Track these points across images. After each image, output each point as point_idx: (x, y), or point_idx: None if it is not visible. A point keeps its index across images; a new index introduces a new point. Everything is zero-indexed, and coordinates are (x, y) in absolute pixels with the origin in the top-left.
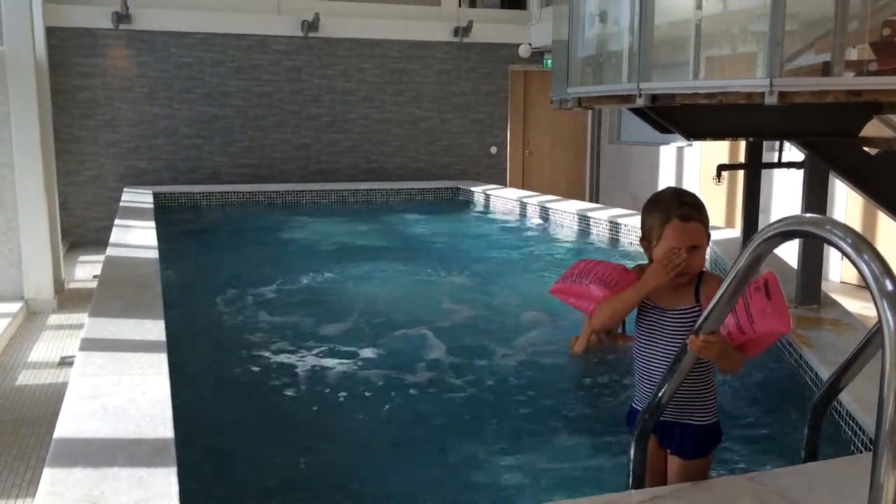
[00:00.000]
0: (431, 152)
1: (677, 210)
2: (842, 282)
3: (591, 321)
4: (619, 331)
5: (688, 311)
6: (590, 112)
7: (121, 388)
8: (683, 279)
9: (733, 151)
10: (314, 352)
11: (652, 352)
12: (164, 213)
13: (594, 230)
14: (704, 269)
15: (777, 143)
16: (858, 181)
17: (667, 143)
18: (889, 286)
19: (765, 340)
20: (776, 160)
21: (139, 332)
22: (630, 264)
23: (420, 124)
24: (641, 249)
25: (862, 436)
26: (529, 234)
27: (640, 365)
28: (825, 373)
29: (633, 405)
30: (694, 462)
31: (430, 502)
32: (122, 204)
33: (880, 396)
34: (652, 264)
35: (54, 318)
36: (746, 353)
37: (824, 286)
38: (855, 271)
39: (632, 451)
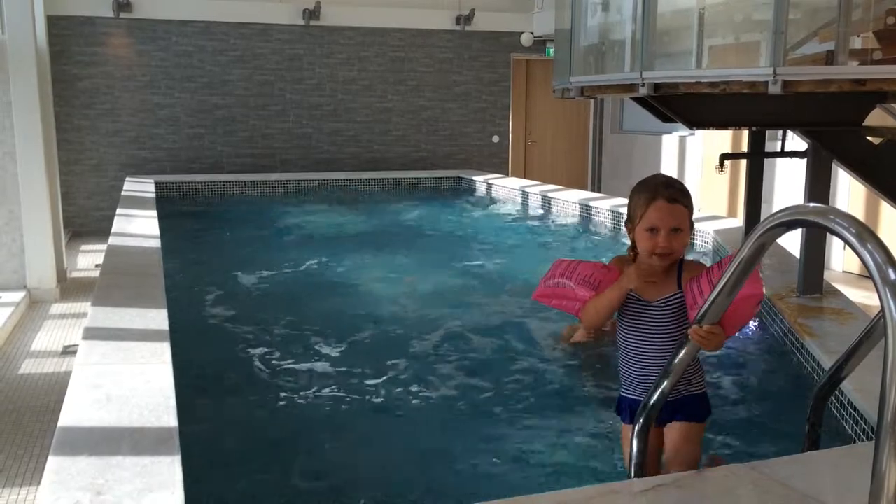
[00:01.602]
0: (433, 141)
1: (664, 191)
2: (844, 271)
3: (582, 322)
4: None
5: (671, 298)
6: (592, 101)
7: (124, 376)
8: (665, 262)
9: (736, 141)
10: (313, 342)
11: (639, 342)
12: (165, 202)
13: (596, 219)
14: (683, 257)
15: (780, 132)
16: (862, 171)
17: (669, 132)
18: (892, 275)
19: (742, 309)
20: (779, 149)
21: (142, 320)
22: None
23: (422, 113)
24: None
25: (864, 425)
26: (531, 223)
27: (628, 355)
28: (827, 362)
29: (622, 394)
30: (691, 424)
31: (432, 493)
32: (123, 193)
33: (882, 386)
34: (629, 269)
35: (57, 308)
36: (726, 328)
37: (826, 276)
38: (857, 261)
39: (633, 442)
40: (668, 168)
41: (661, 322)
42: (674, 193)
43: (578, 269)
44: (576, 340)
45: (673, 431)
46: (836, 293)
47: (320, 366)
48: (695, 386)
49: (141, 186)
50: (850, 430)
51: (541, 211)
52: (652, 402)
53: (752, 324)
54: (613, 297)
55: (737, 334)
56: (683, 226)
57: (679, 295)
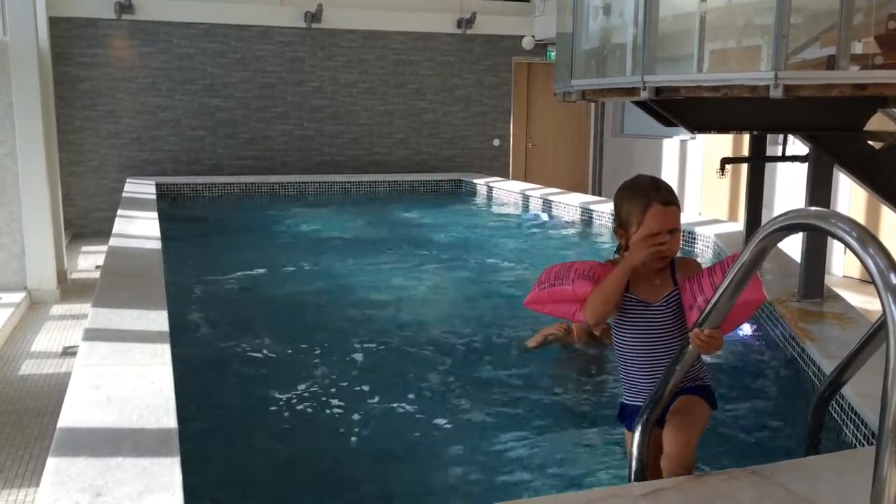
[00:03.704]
0: (434, 144)
1: (656, 195)
2: (844, 276)
3: (586, 317)
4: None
5: (671, 296)
6: (593, 105)
7: (124, 377)
8: (662, 263)
9: (737, 145)
10: (312, 344)
11: (642, 345)
12: (166, 204)
13: (597, 223)
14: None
15: (781, 136)
16: (863, 175)
17: (670, 136)
18: (894, 280)
19: (741, 313)
20: (780, 154)
21: (142, 322)
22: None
23: (423, 116)
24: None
25: (864, 430)
26: (532, 226)
27: (631, 361)
28: (828, 367)
29: (624, 401)
30: (698, 398)
31: (434, 494)
32: (124, 195)
33: (884, 390)
34: (633, 244)
35: (57, 309)
36: (723, 328)
37: (827, 280)
38: (858, 265)
39: (634, 445)
40: (669, 172)
41: (663, 322)
42: (665, 195)
43: (574, 266)
44: (547, 338)
45: (678, 401)
46: (837, 298)
47: (318, 368)
48: (699, 380)
49: (142, 188)
50: (850, 435)
51: (541, 214)
52: (652, 405)
53: (753, 329)
54: (620, 277)
55: (737, 339)
56: (678, 225)
57: (677, 292)
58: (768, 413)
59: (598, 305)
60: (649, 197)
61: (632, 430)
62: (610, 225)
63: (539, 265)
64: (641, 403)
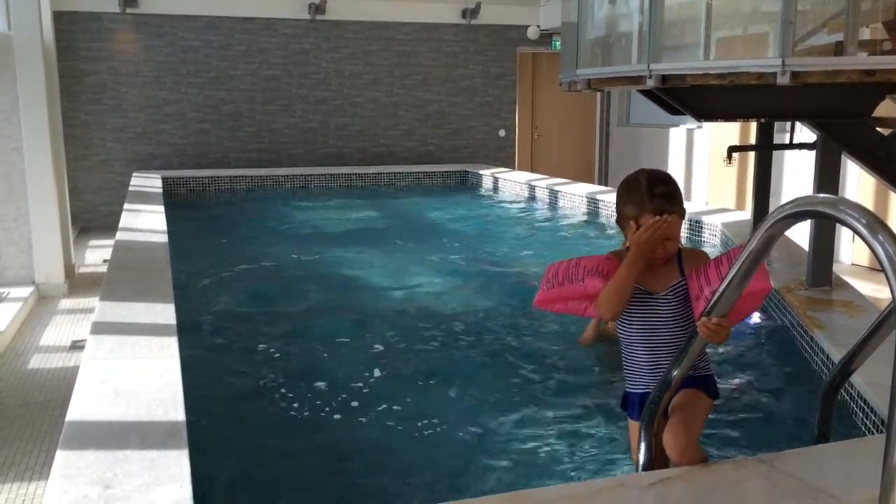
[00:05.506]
0: (440, 136)
1: (649, 205)
2: (853, 264)
3: (601, 312)
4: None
5: (676, 286)
6: (598, 94)
7: (132, 371)
8: (658, 261)
9: (744, 133)
10: (320, 337)
11: (646, 335)
12: (172, 197)
13: (603, 213)
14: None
15: (788, 124)
16: (871, 162)
17: (676, 125)
18: None
19: (749, 303)
20: (787, 141)
21: (150, 315)
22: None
23: (428, 107)
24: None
25: (874, 417)
26: (538, 217)
27: (635, 350)
28: (837, 355)
29: (629, 390)
30: (699, 391)
31: (443, 484)
32: (130, 188)
33: (893, 378)
34: (630, 243)
35: (65, 303)
36: (731, 318)
37: (835, 268)
38: (866, 253)
39: (641, 435)
40: (676, 161)
41: (668, 312)
42: (659, 205)
43: (582, 263)
44: (598, 336)
45: (679, 395)
46: (846, 286)
47: (325, 359)
48: (700, 370)
49: (148, 182)
50: (860, 423)
51: (548, 205)
52: (659, 395)
53: (761, 317)
54: (630, 273)
55: (745, 327)
56: (673, 234)
57: (683, 282)
58: (777, 402)
59: (613, 302)
60: (642, 205)
61: (634, 418)
62: (616, 214)
63: (545, 255)
64: (643, 391)
